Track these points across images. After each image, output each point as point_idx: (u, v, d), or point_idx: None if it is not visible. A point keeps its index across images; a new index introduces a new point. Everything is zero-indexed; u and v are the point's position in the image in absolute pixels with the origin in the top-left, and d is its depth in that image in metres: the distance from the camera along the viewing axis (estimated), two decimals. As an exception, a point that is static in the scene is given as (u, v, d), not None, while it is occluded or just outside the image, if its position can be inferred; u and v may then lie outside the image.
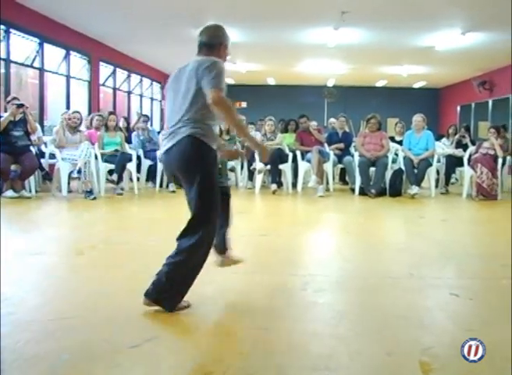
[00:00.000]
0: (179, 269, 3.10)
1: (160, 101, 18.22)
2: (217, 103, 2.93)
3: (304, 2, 8.89)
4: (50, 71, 10.67)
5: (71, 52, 11.21)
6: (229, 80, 18.99)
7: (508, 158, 9.38)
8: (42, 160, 8.58)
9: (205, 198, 3.25)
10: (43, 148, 8.77)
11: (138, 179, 9.44)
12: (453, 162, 9.59)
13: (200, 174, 3.16)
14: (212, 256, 3.30)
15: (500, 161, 8.80)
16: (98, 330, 2.78)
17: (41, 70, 10.18)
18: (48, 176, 8.62)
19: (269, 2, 8.96)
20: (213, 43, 3.32)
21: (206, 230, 3.19)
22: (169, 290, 3.01)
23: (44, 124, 10.23)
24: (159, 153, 9.36)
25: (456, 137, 10.41)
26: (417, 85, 20.08)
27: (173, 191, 8.91)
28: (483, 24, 10.05)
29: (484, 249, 5.11)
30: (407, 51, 13.03)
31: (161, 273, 3.09)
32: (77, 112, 8.63)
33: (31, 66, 9.99)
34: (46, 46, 10.20)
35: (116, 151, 8.60)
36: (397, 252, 4.87)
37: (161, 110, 18.28)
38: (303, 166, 9.25)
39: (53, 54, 10.71)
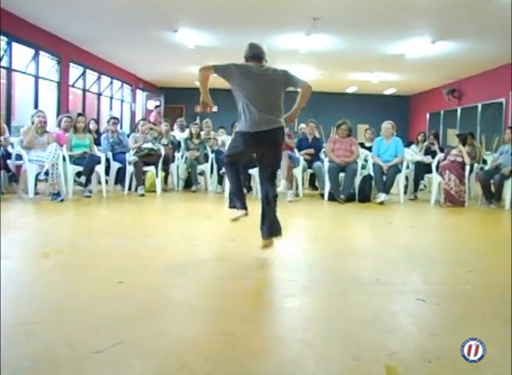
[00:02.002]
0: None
1: (130, 103, 18.09)
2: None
3: (276, 8, 8.91)
4: (18, 71, 10.49)
5: (40, 52, 11.05)
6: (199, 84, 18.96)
7: (475, 165, 9.53)
8: (8, 161, 8.42)
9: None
10: (9, 148, 8.62)
11: (107, 181, 9.35)
12: (422, 169, 9.70)
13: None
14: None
15: (468, 168, 8.93)
16: (62, 335, 2.73)
17: (9, 70, 10.01)
18: (14, 177, 8.47)
19: (242, 7, 8.96)
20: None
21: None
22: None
23: (11, 125, 10.06)
24: (132, 153, 9.32)
25: (425, 144, 10.54)
26: (387, 92, 20.30)
27: (142, 195, 8.84)
28: (453, 33, 10.21)
29: (450, 255, 5.17)
30: (378, 58, 13.16)
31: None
32: (41, 111, 8.50)
33: (-1, 66, 9.83)
34: (14, 45, 10.04)
35: (85, 153, 8.51)
36: (364, 258, 4.90)
37: (132, 112, 18.16)
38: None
39: (21, 53, 10.55)
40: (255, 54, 4.61)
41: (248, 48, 4.70)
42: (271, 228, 4.58)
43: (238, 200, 4.74)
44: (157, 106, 18.73)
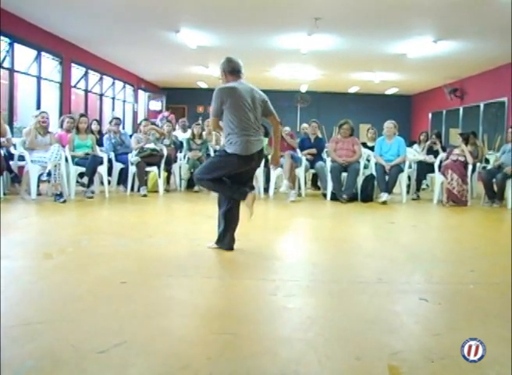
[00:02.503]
0: None
1: (132, 104, 18.11)
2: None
3: (278, 8, 8.91)
4: (20, 72, 10.51)
5: (42, 53, 11.06)
6: (201, 84, 19.00)
7: (478, 164, 9.51)
8: (11, 162, 8.44)
9: None
10: (12, 149, 8.63)
11: (109, 182, 9.35)
12: (424, 169, 9.70)
13: None
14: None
15: (470, 167, 8.93)
16: (65, 335, 2.73)
17: (11, 71, 10.03)
18: (16, 178, 8.48)
19: (243, 7, 8.96)
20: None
21: None
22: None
23: (13, 126, 10.07)
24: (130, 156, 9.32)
25: (428, 143, 10.53)
26: (389, 92, 20.29)
27: (145, 195, 8.85)
28: (454, 33, 10.20)
29: (453, 255, 5.17)
30: (380, 58, 13.16)
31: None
32: (45, 112, 8.50)
33: (1, 67, 9.81)
34: (16, 46, 10.05)
35: (87, 154, 8.50)
36: (367, 257, 4.89)
37: (134, 113, 18.18)
38: (275, 171, 9.25)
39: (24, 54, 10.56)
40: (233, 68, 4.75)
41: (226, 62, 4.79)
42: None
43: (236, 192, 4.88)
44: (167, 108, 18.77)
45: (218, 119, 4.70)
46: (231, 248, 4.82)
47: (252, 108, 4.61)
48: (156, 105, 19.89)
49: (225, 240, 4.86)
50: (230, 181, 4.77)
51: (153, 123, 11.11)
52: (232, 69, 4.73)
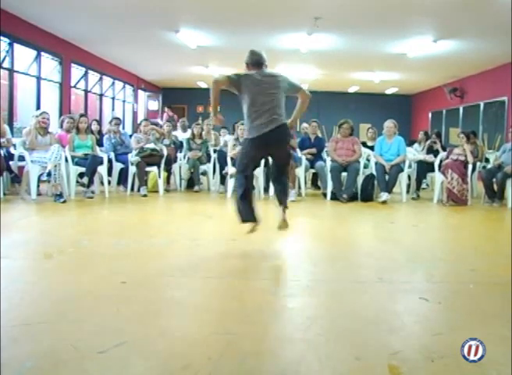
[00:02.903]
0: None
1: (132, 104, 18.10)
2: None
3: (278, 8, 8.91)
4: (20, 72, 10.51)
5: (42, 53, 11.06)
6: (201, 84, 19.00)
7: (478, 164, 9.51)
8: (11, 162, 8.43)
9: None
10: (12, 150, 8.63)
11: (109, 182, 9.35)
12: (424, 168, 9.69)
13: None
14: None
15: (470, 167, 8.93)
16: (65, 335, 2.73)
17: (11, 71, 10.03)
18: (16, 178, 8.48)
19: (243, 7, 8.96)
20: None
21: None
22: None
23: (13, 126, 10.07)
24: (129, 156, 9.32)
25: (428, 143, 10.53)
26: (389, 91, 20.29)
27: (145, 195, 8.85)
28: (454, 32, 10.20)
29: (453, 254, 5.17)
30: (379, 57, 13.15)
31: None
32: (46, 112, 8.50)
33: (1, 67, 9.81)
34: (16, 46, 10.05)
35: (86, 155, 8.50)
36: (367, 257, 4.89)
37: (134, 113, 18.18)
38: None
39: (23, 55, 10.56)
40: (256, 60, 4.88)
41: (249, 54, 4.94)
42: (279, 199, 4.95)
43: (246, 212, 4.82)
44: (169, 106, 18.79)
45: (227, 83, 4.73)
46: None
47: (266, 93, 4.69)
48: (153, 104, 19.88)
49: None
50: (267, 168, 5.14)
51: (153, 123, 11.11)
52: (253, 61, 4.89)
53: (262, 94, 4.69)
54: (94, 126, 9.98)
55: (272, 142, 4.70)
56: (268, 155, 5.08)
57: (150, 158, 9.28)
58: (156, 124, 11.50)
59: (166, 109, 17.84)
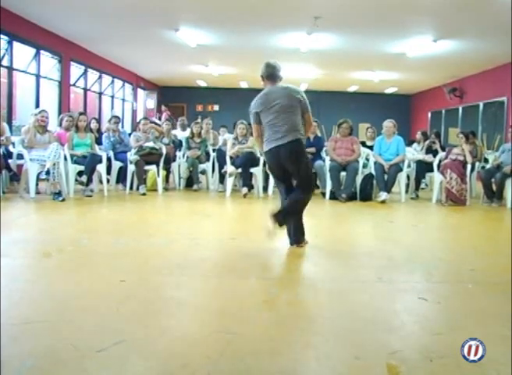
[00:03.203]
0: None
1: (131, 102, 18.09)
2: None
3: (278, 7, 8.91)
4: (19, 70, 10.50)
5: (41, 52, 11.05)
6: (201, 83, 18.99)
7: (477, 164, 9.52)
8: (10, 160, 8.43)
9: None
10: (10, 148, 8.62)
11: (108, 181, 9.35)
12: (423, 168, 9.70)
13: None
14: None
15: (469, 167, 8.93)
16: (65, 334, 2.73)
17: (10, 69, 10.01)
18: (15, 177, 8.47)
19: (243, 6, 8.96)
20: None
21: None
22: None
23: (12, 124, 10.06)
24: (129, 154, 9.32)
25: (427, 142, 10.53)
26: (388, 91, 20.29)
27: (144, 194, 8.84)
28: (454, 32, 10.20)
29: (452, 254, 5.17)
30: (379, 57, 13.15)
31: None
32: (45, 110, 8.49)
33: (0, 65, 9.80)
34: (15, 44, 10.04)
35: (85, 156, 8.49)
36: (366, 256, 4.89)
37: (133, 111, 18.16)
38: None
39: (23, 53, 10.54)
40: (271, 74, 4.94)
41: (264, 67, 4.98)
42: (293, 236, 5.02)
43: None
44: (166, 105, 18.76)
45: (258, 126, 4.96)
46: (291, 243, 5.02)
47: (281, 110, 4.77)
48: (150, 102, 19.85)
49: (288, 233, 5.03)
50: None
51: (151, 122, 11.10)
52: (268, 75, 4.95)
53: (280, 112, 4.78)
54: (93, 125, 9.97)
55: (284, 156, 4.79)
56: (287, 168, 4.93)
57: (149, 156, 9.28)
58: (152, 122, 11.48)
59: (163, 108, 17.81)
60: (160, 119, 16.12)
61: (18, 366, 2.33)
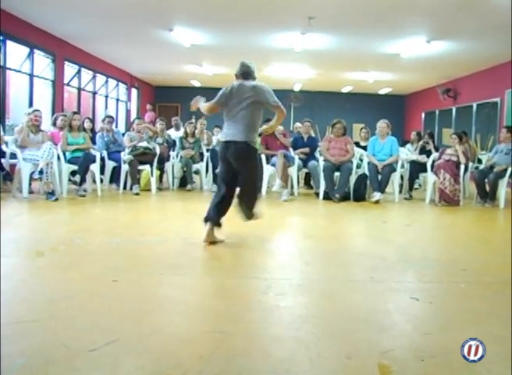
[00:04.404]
0: None
1: (126, 102, 18.05)
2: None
3: (272, 7, 8.91)
4: (12, 69, 10.46)
5: (35, 51, 11.01)
6: (194, 83, 18.97)
7: (470, 164, 9.55)
8: (3, 160, 8.38)
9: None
10: (4, 147, 8.59)
11: (102, 180, 9.33)
12: (417, 168, 9.72)
13: None
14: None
15: (463, 167, 8.96)
16: (56, 333, 2.73)
17: (3, 68, 9.98)
18: (8, 176, 8.43)
19: (237, 6, 8.95)
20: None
21: None
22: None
23: (5, 123, 10.03)
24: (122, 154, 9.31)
25: (420, 143, 10.55)
26: (382, 91, 20.31)
27: (137, 194, 8.83)
28: (448, 33, 10.22)
29: (444, 254, 5.19)
30: (373, 57, 13.17)
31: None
32: (38, 110, 8.46)
33: (-8, 64, 9.78)
34: (9, 43, 10.00)
35: (81, 150, 8.48)
36: (359, 256, 4.91)
37: (127, 111, 18.12)
38: (268, 169, 9.27)
39: (16, 52, 10.51)
40: (243, 71, 5.17)
41: (239, 66, 5.21)
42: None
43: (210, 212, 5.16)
44: (151, 103, 18.67)
45: (215, 105, 5.23)
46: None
47: (242, 104, 4.94)
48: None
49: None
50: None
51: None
52: (242, 73, 5.16)
53: (233, 106, 4.99)
54: (87, 124, 9.95)
55: (232, 154, 4.94)
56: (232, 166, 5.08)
57: (143, 156, 9.26)
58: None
59: (148, 107, 17.73)
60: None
61: (9, 365, 2.32)
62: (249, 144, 4.93)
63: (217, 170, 9.42)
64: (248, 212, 5.17)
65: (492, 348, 2.60)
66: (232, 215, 5.11)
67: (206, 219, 5.05)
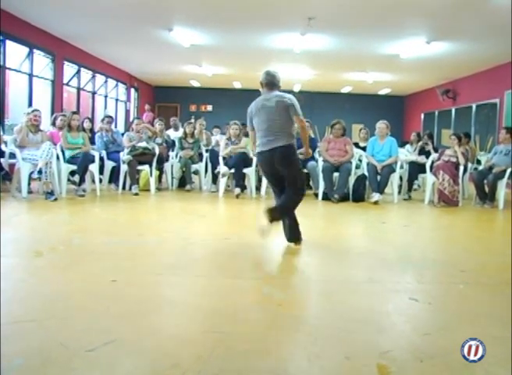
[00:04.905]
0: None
1: (125, 102, 18.04)
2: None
3: (272, 7, 8.90)
4: (12, 69, 10.45)
5: (34, 50, 11.01)
6: (194, 83, 18.97)
7: (469, 165, 9.55)
8: (2, 160, 8.36)
9: None
10: (3, 147, 8.58)
11: (101, 180, 9.33)
12: (416, 169, 9.71)
13: None
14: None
15: (462, 168, 8.96)
16: (55, 333, 2.72)
17: (2, 68, 9.97)
18: (7, 176, 8.42)
19: (237, 6, 8.95)
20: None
21: None
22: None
23: (4, 123, 10.02)
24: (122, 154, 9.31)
25: (420, 144, 10.55)
26: (382, 92, 20.31)
27: (136, 194, 8.82)
28: (447, 34, 10.22)
29: (443, 255, 5.19)
30: (373, 58, 13.17)
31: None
32: (37, 110, 8.46)
33: (-8, 64, 9.77)
34: (8, 43, 9.99)
35: (80, 148, 8.48)
36: (358, 257, 4.91)
37: (126, 111, 18.11)
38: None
39: (15, 51, 10.50)
40: (269, 81, 5.18)
41: (264, 74, 5.23)
42: (288, 234, 5.12)
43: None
44: (149, 103, 18.65)
45: (251, 130, 5.27)
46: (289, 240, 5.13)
47: (269, 115, 5.02)
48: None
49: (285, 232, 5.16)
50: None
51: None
52: (266, 82, 5.18)
53: (264, 116, 5.05)
54: (87, 124, 9.95)
55: (271, 160, 5.01)
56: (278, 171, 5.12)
57: (142, 156, 9.26)
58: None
59: (147, 107, 17.72)
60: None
61: (7, 365, 2.32)
62: (291, 145, 5.09)
63: (216, 170, 9.47)
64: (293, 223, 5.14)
65: (490, 348, 2.60)
66: (232, 215, 5.09)
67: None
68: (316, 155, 9.82)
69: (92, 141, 9.57)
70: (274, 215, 4.87)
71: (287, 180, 5.04)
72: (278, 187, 5.18)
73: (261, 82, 5.21)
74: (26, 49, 10.76)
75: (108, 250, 4.75)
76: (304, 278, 4.05)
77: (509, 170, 8.61)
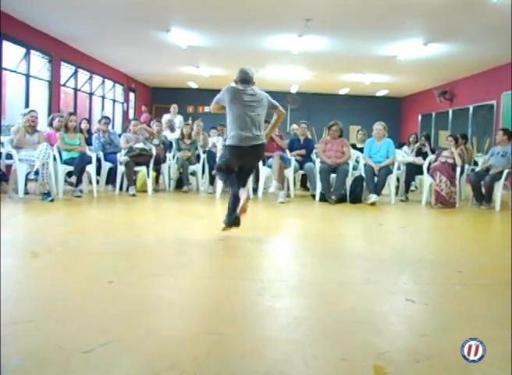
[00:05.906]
0: None
1: (122, 103, 18.02)
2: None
3: (269, 9, 8.91)
4: (8, 69, 10.43)
5: (31, 51, 10.99)
6: (191, 84, 18.97)
7: (466, 166, 9.56)
8: (-2, 160, 8.38)
9: None
10: (-1, 148, 8.57)
11: (98, 181, 9.31)
12: (413, 170, 9.73)
13: None
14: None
15: (459, 169, 8.97)
16: (51, 334, 2.72)
17: None
18: (4, 177, 8.39)
19: (234, 8, 8.95)
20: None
21: None
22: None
23: (1, 124, 10.01)
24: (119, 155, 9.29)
25: (417, 145, 10.57)
26: (379, 93, 20.33)
27: (133, 195, 8.81)
28: (445, 35, 10.24)
29: (440, 256, 5.19)
30: (370, 59, 13.18)
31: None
32: (34, 111, 8.45)
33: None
34: (5, 44, 9.97)
35: (74, 155, 8.46)
36: (354, 258, 4.90)
37: (123, 112, 18.09)
38: (264, 171, 9.26)
39: (12, 52, 10.48)
40: (243, 78, 5.36)
41: (238, 72, 5.39)
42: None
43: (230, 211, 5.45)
44: (146, 105, 18.63)
45: (219, 105, 5.43)
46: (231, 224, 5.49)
47: (249, 107, 5.21)
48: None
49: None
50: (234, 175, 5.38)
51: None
52: (241, 79, 5.34)
53: (246, 112, 5.20)
54: (84, 125, 9.94)
55: (245, 156, 5.30)
56: (239, 165, 5.44)
57: (139, 157, 9.25)
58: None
59: (143, 108, 17.70)
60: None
61: (3, 366, 2.31)
62: (262, 144, 5.38)
63: (213, 172, 9.42)
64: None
65: (488, 349, 2.60)
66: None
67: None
68: (313, 157, 9.83)
69: (89, 142, 9.56)
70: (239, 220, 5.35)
71: (245, 171, 5.48)
72: (234, 174, 5.43)
73: (235, 80, 5.41)
74: (23, 50, 10.75)
75: (105, 251, 4.74)
76: (300, 279, 4.05)
77: (506, 172, 8.62)
